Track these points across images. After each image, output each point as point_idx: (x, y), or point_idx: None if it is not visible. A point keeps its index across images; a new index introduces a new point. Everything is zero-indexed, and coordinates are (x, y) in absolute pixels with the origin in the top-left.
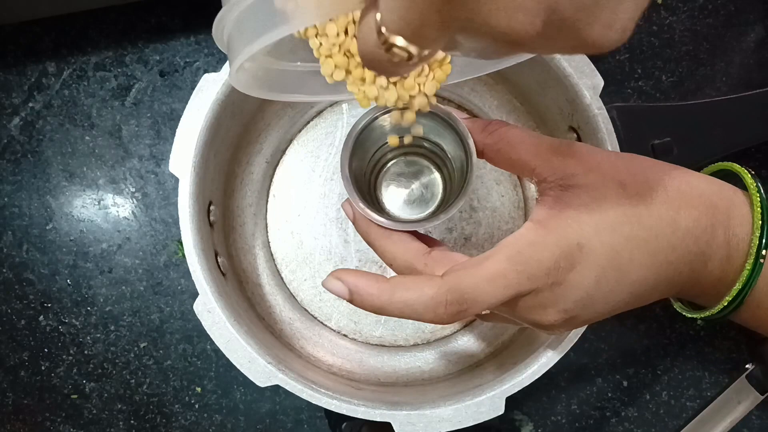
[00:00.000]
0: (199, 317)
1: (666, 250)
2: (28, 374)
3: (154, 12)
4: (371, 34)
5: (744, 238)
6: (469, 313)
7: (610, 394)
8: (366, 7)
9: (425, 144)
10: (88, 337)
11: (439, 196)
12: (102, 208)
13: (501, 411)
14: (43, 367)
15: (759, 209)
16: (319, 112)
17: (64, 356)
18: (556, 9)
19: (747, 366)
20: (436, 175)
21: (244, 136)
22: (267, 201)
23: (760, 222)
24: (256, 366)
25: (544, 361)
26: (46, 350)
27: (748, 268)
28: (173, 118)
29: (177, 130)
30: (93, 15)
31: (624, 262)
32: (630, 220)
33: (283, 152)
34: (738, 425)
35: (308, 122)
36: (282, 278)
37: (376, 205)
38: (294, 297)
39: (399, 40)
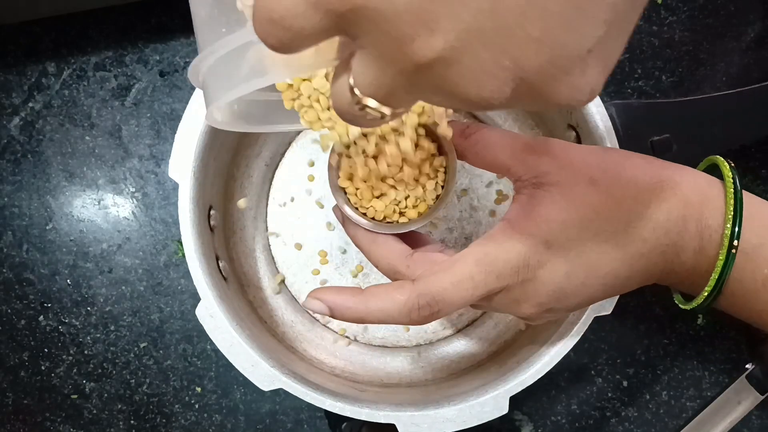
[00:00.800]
0: (201, 322)
1: (636, 243)
2: (28, 374)
3: (154, 12)
4: (345, 93)
5: (717, 229)
6: (442, 314)
7: (610, 394)
8: (339, 68)
9: None
10: (88, 337)
11: None
12: (102, 208)
13: (505, 410)
14: (43, 367)
15: (732, 200)
16: None
17: (64, 356)
18: (523, 78)
19: (747, 366)
20: None
21: (243, 140)
22: (267, 204)
23: (732, 213)
24: (260, 370)
25: (547, 359)
26: (46, 350)
27: (722, 258)
28: (173, 118)
29: (176, 135)
30: (93, 15)
31: (593, 257)
32: (599, 216)
33: (282, 155)
34: (738, 425)
35: None
36: (283, 281)
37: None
38: (295, 299)
39: (371, 102)
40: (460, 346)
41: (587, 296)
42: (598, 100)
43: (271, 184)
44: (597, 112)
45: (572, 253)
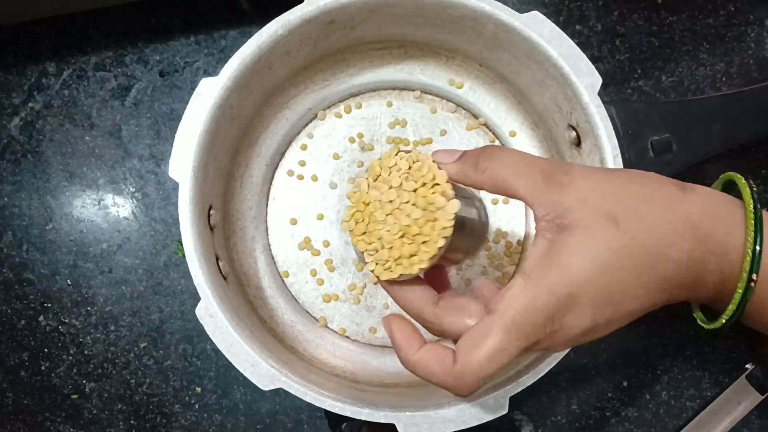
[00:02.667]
0: (201, 322)
1: (658, 281)
2: (28, 374)
3: (154, 12)
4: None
5: (737, 262)
6: (484, 382)
7: (610, 394)
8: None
9: None
10: (88, 337)
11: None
12: (102, 208)
13: (505, 410)
14: (43, 367)
15: (752, 230)
16: (317, 115)
17: (64, 356)
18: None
19: (747, 366)
20: None
21: (243, 140)
22: (267, 204)
23: (751, 247)
24: (260, 370)
25: (547, 359)
26: (46, 350)
27: (740, 291)
28: (173, 118)
29: (176, 134)
30: (93, 15)
31: (616, 298)
32: (622, 261)
33: (282, 155)
34: (738, 425)
35: (307, 124)
36: (283, 281)
37: None
38: (296, 299)
39: None
40: None
41: (614, 326)
42: (598, 100)
43: (271, 184)
44: (597, 112)
45: (595, 299)
